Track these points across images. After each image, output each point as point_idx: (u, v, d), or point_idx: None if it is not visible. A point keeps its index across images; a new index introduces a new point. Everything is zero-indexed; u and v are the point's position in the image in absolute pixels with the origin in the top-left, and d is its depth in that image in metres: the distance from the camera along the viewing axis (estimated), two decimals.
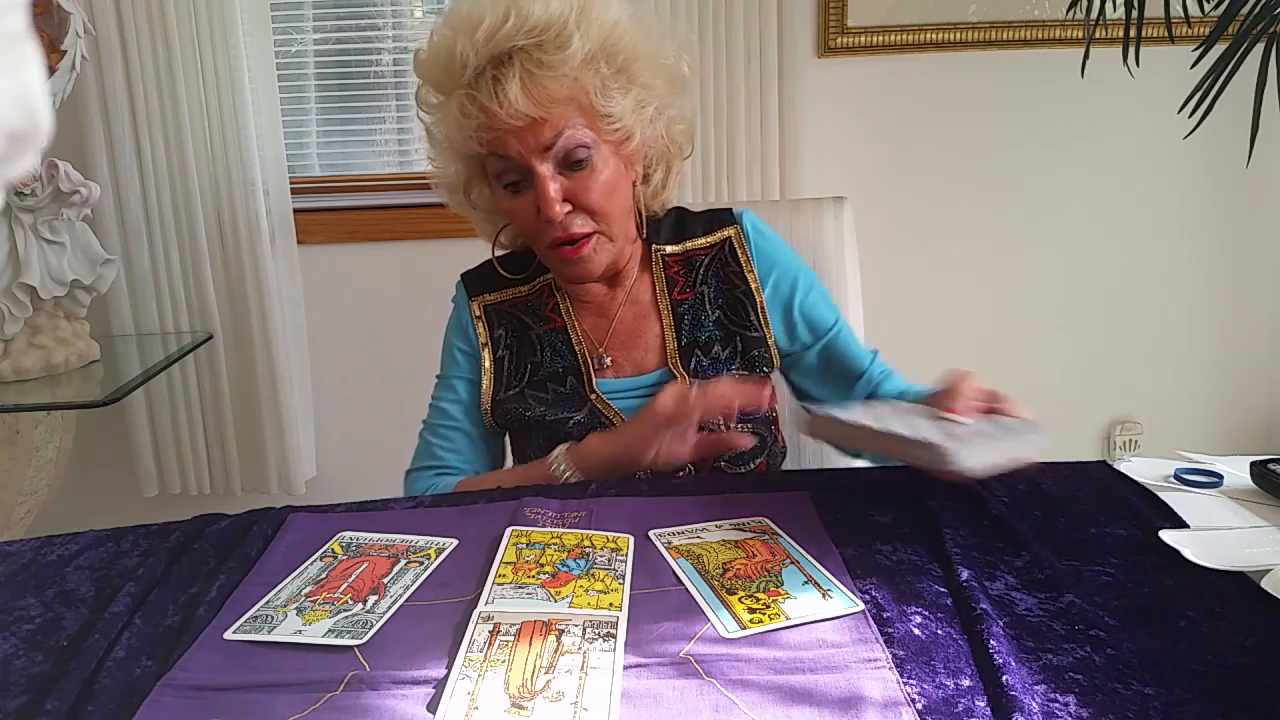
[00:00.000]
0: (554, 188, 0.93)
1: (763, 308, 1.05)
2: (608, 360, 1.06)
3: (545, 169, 0.93)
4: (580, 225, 0.96)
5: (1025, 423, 0.80)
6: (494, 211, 1.06)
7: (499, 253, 1.11)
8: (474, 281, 1.11)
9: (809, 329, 1.07)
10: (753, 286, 1.05)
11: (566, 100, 0.92)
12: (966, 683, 0.57)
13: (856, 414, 0.84)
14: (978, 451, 0.74)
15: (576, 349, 1.05)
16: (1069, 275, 2.15)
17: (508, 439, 1.14)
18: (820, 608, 0.65)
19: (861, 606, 0.65)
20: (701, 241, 1.08)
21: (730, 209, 1.10)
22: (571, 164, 0.94)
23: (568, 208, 0.95)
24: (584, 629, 0.63)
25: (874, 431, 0.79)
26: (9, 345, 1.59)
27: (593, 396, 1.03)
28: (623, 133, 0.97)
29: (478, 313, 1.08)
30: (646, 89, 0.99)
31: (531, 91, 0.90)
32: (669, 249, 1.08)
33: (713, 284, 1.06)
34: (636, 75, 0.98)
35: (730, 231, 1.07)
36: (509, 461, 1.15)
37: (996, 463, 0.74)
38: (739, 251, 1.06)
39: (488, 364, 1.07)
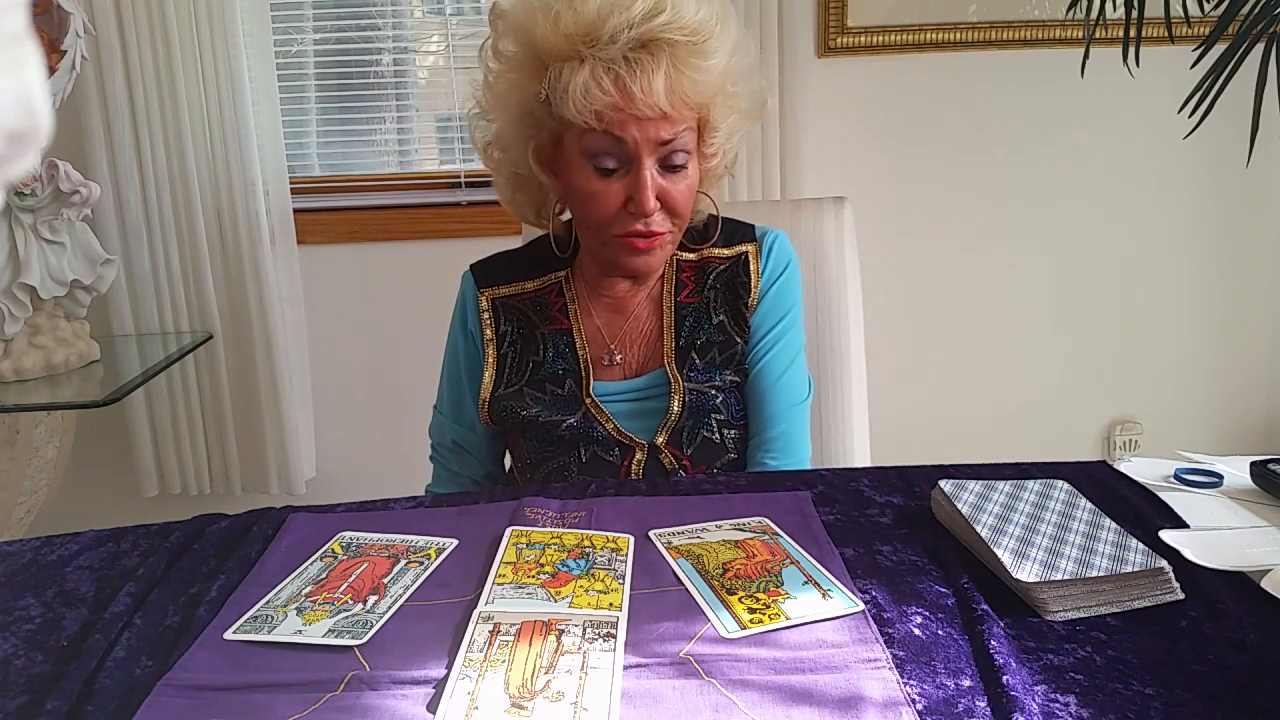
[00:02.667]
0: (653, 183, 0.95)
1: (748, 321, 1.06)
2: (618, 357, 1.06)
3: (650, 163, 0.94)
4: (660, 224, 0.97)
5: (1150, 568, 0.67)
6: (533, 182, 1.03)
7: (531, 235, 1.10)
8: (483, 273, 1.10)
9: (754, 360, 1.06)
10: (751, 300, 1.06)
11: (696, 106, 0.94)
12: (967, 683, 0.57)
13: (974, 500, 0.78)
14: (1071, 601, 0.65)
15: (579, 352, 1.05)
16: (1069, 274, 2.15)
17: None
18: (820, 608, 0.65)
19: (861, 607, 0.65)
20: (719, 252, 1.08)
21: (754, 225, 1.10)
22: (670, 165, 0.96)
23: (658, 205, 0.96)
24: (584, 629, 0.63)
25: (968, 525, 0.74)
26: (9, 345, 1.59)
27: (587, 400, 1.03)
28: (714, 148, 1.00)
29: (485, 306, 1.08)
30: (740, 115, 1.01)
31: (673, 88, 0.91)
32: (686, 255, 1.08)
33: (720, 289, 1.06)
34: (740, 100, 1.00)
35: (749, 248, 1.08)
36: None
37: (1085, 611, 0.66)
38: (751, 265, 1.06)
39: (491, 360, 1.07)
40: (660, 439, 1.02)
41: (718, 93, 0.96)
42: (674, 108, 0.92)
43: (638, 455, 1.02)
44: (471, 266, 1.12)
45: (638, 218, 0.96)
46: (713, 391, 1.03)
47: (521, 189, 1.06)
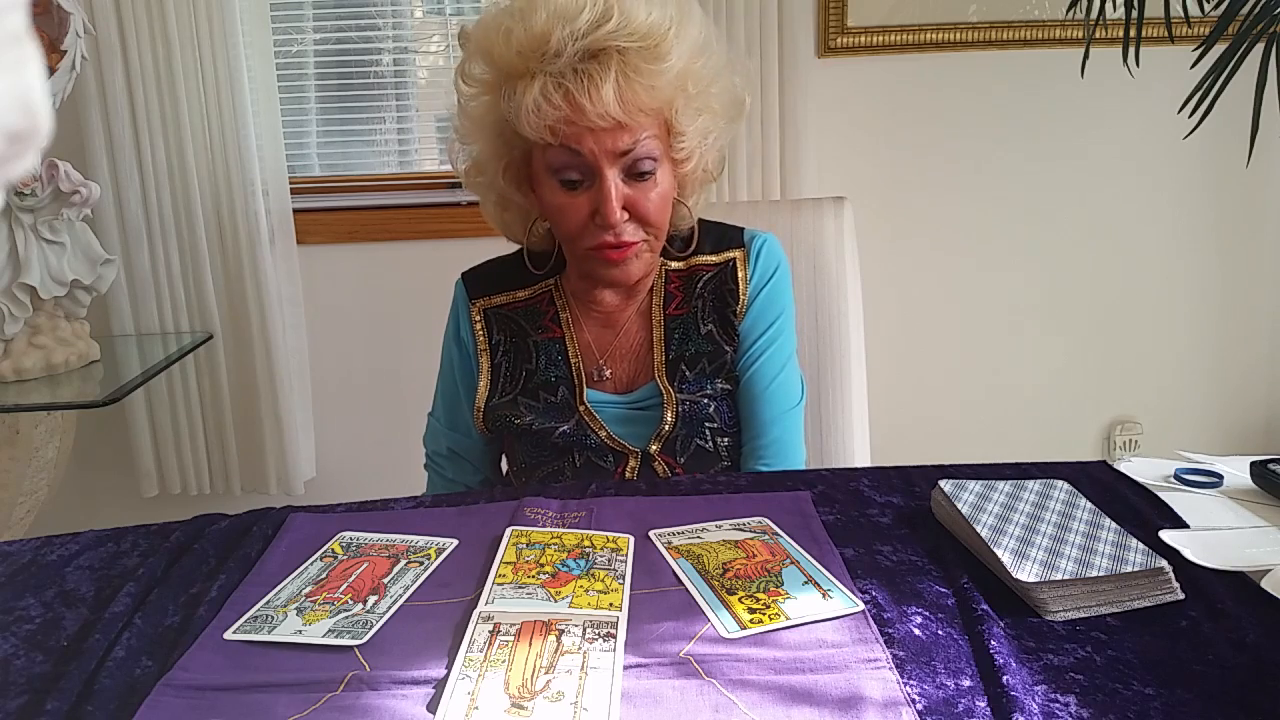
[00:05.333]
0: (617, 194, 0.93)
1: (736, 329, 1.05)
2: (607, 372, 1.05)
3: (612, 173, 0.93)
4: (632, 234, 0.96)
5: (1150, 568, 0.67)
6: (515, 201, 1.04)
7: (515, 248, 1.10)
8: (474, 283, 1.10)
9: (745, 366, 1.06)
10: (739, 308, 1.05)
11: (653, 111, 0.92)
12: (967, 683, 0.57)
13: (974, 500, 0.78)
14: (1071, 600, 0.65)
15: (572, 361, 1.05)
16: (1069, 273, 2.15)
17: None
18: (820, 608, 0.65)
19: (861, 607, 0.65)
20: (707, 259, 1.07)
21: (743, 229, 1.09)
22: (636, 174, 0.94)
23: (625, 215, 0.94)
24: (584, 629, 0.63)
25: (968, 525, 0.74)
26: (9, 345, 1.59)
27: (581, 408, 1.03)
28: (686, 153, 0.98)
29: (477, 317, 1.08)
30: (713, 115, 0.99)
31: (624, 96, 0.89)
32: (674, 265, 1.07)
33: (708, 297, 1.06)
34: (710, 101, 0.98)
35: (736, 254, 1.07)
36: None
37: (1085, 611, 0.66)
38: (739, 271, 1.06)
39: (485, 369, 1.07)
40: (654, 447, 1.02)
41: (676, 95, 0.93)
42: (629, 115, 0.90)
43: (631, 462, 1.03)
44: (463, 275, 1.11)
45: (605, 229, 0.94)
46: (705, 400, 1.03)
47: (508, 208, 1.05)
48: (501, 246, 1.16)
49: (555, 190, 0.95)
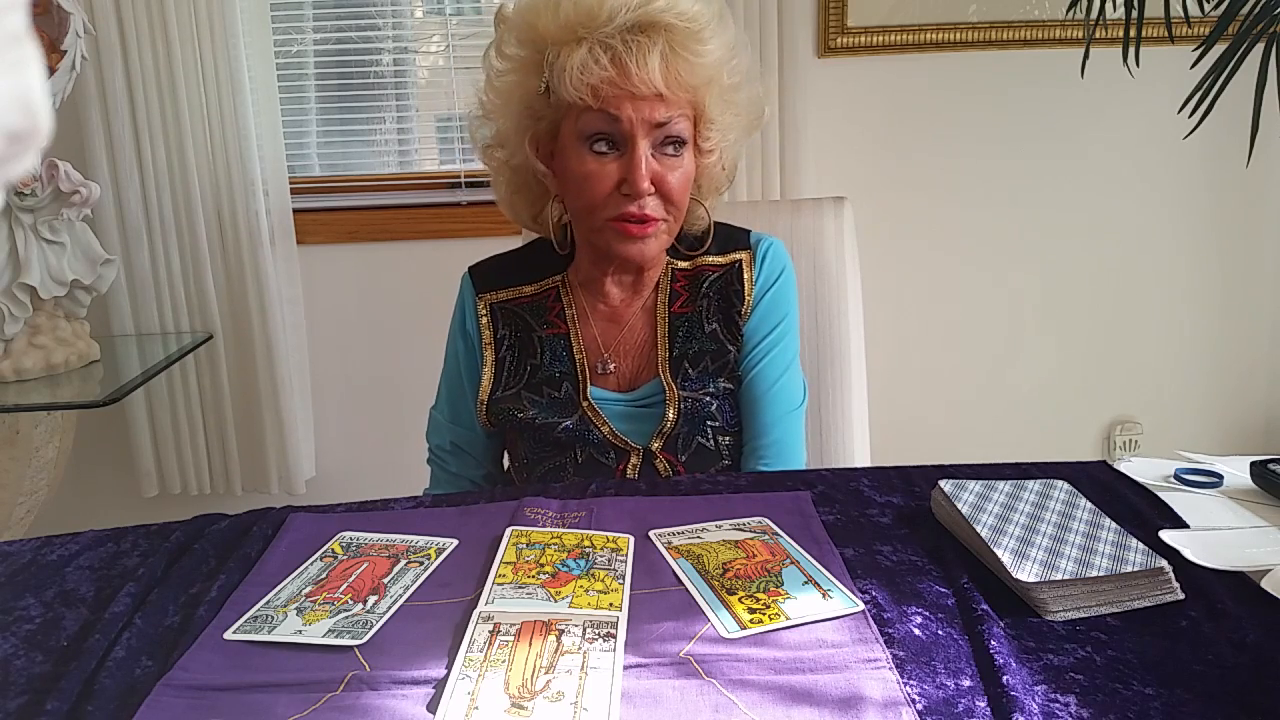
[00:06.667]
0: (647, 164, 0.95)
1: (740, 329, 1.06)
2: (611, 366, 1.06)
3: (644, 144, 0.95)
4: (654, 209, 0.97)
5: (1150, 568, 0.67)
6: (531, 180, 1.04)
7: (530, 237, 1.11)
8: (481, 277, 1.10)
9: (748, 368, 1.07)
10: (744, 309, 1.06)
11: (691, 90, 0.95)
12: (967, 683, 0.57)
13: (974, 500, 0.78)
14: (1071, 600, 0.65)
15: (576, 357, 1.05)
16: (1069, 273, 2.15)
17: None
18: (820, 608, 0.65)
19: (861, 606, 0.65)
20: (713, 259, 1.08)
21: (749, 231, 1.10)
22: (665, 150, 0.96)
23: (651, 188, 0.96)
24: (584, 629, 0.63)
25: (968, 525, 0.74)
26: (9, 345, 1.59)
27: (584, 404, 1.03)
28: (711, 144, 1.01)
29: (483, 310, 1.08)
30: (736, 118, 1.02)
31: (671, 68, 0.93)
32: (681, 264, 1.08)
33: (714, 297, 1.06)
34: (736, 101, 1.01)
35: (743, 255, 1.07)
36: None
37: (1085, 611, 0.65)
38: (745, 273, 1.07)
39: (489, 363, 1.07)
40: (655, 445, 1.03)
41: (713, 81, 0.97)
42: (669, 89, 0.93)
43: (632, 459, 1.03)
44: (470, 269, 1.12)
45: (631, 199, 0.95)
46: (708, 399, 1.03)
47: (520, 190, 1.06)
48: (502, 247, 1.16)
49: (584, 158, 0.96)
